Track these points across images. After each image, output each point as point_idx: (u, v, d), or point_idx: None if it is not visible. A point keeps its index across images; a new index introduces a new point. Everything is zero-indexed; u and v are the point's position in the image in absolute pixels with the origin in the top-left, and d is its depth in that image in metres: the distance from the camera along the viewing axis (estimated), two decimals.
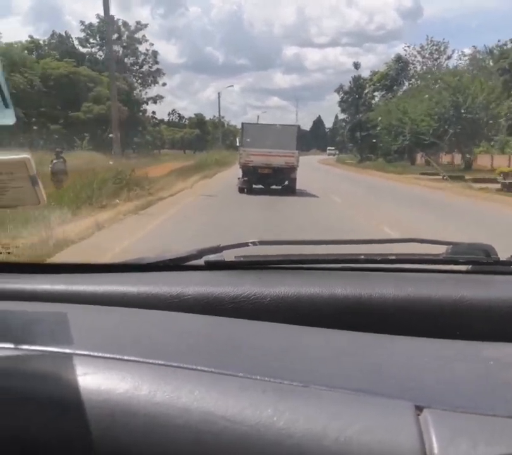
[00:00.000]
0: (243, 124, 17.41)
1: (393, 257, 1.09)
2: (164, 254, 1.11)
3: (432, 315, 0.92)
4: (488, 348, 0.69)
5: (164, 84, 59.79)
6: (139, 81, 57.49)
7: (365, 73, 65.88)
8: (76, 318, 0.73)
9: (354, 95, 59.57)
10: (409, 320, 0.91)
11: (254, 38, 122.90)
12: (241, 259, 1.08)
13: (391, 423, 0.49)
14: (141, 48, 57.37)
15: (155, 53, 57.65)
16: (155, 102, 58.01)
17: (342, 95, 60.04)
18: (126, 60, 55.46)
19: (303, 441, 0.48)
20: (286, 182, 15.02)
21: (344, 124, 64.28)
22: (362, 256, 1.09)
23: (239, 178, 15.19)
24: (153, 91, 58.14)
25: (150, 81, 57.74)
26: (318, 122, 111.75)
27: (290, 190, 14.82)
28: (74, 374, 0.55)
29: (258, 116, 66.67)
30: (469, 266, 1.14)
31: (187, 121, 74.21)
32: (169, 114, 75.09)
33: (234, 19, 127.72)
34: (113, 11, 59.26)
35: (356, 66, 62.20)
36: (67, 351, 0.59)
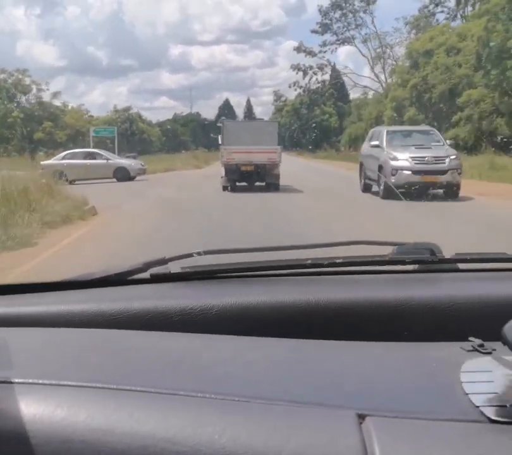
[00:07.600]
0: (222, 121, 17.19)
1: (340, 260, 1.09)
2: (109, 269, 1.09)
3: (379, 317, 0.92)
4: (434, 349, 0.70)
5: None
6: None
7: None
8: (15, 343, 0.71)
9: None
10: (358, 324, 0.91)
11: (137, 38, 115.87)
12: (187, 270, 1.07)
13: (333, 434, 0.49)
14: None
15: None
16: None
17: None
18: None
19: None
20: (269, 179, 14.98)
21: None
22: (309, 261, 1.08)
23: (222, 177, 15.12)
24: None
25: None
26: (225, 107, 76.04)
27: (273, 187, 14.77)
28: (9, 403, 0.53)
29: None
30: (415, 266, 1.15)
31: None
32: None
33: (115, 19, 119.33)
34: None
35: None
36: (1, 379, 0.57)
